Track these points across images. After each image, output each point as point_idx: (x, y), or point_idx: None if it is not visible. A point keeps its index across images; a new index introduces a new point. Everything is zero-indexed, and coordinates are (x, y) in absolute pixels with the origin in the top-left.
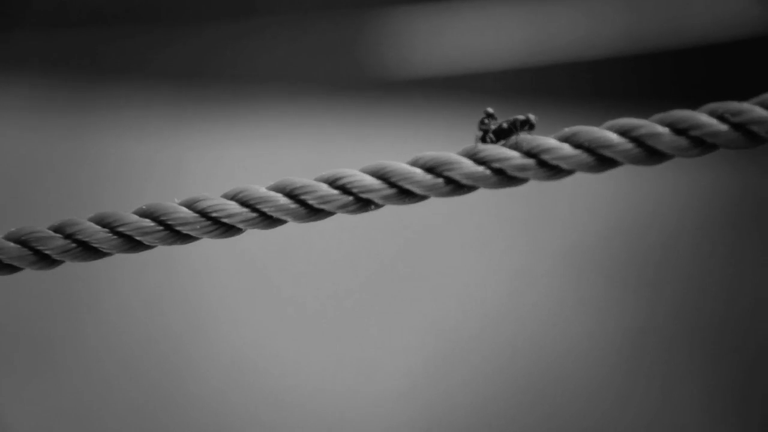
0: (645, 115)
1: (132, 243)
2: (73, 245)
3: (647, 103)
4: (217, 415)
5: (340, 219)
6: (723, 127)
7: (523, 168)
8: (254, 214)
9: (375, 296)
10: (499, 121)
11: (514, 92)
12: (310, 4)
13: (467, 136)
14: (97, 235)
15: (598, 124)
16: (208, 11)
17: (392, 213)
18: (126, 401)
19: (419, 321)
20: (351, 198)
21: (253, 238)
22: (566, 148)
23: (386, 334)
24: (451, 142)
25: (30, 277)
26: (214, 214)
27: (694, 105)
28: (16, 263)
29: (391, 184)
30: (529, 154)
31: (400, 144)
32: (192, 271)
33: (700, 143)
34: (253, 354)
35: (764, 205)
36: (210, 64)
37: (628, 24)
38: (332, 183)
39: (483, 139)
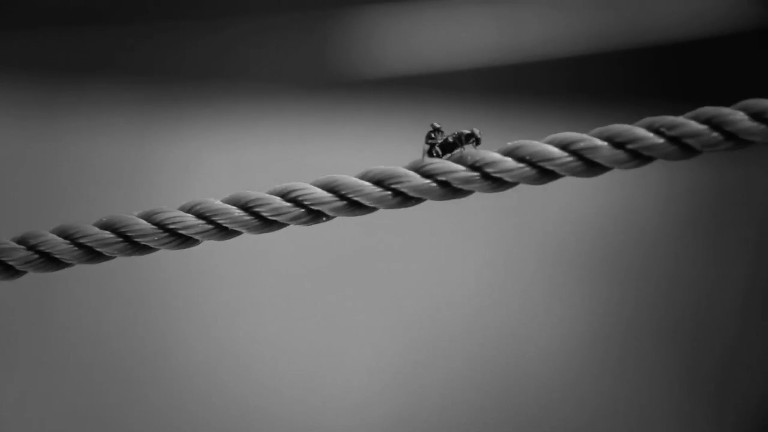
0: (619, 112)
1: (93, 254)
2: (36, 256)
3: (621, 100)
4: (208, 412)
5: None
6: (659, 140)
7: (467, 181)
8: (210, 226)
9: (352, 291)
10: (446, 134)
11: (485, 91)
12: (281, 2)
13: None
14: (60, 246)
15: (571, 121)
16: (181, 12)
17: None
18: (121, 401)
19: (397, 317)
20: (303, 210)
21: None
22: (509, 162)
23: (364, 329)
24: (421, 140)
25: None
26: (171, 226)
27: (672, 102)
28: None
29: (342, 197)
30: (473, 167)
31: (370, 143)
32: (186, 273)
33: (638, 156)
34: (233, 352)
35: (743, 203)
36: (183, 64)
37: (601, 21)
38: (285, 196)
39: (430, 153)
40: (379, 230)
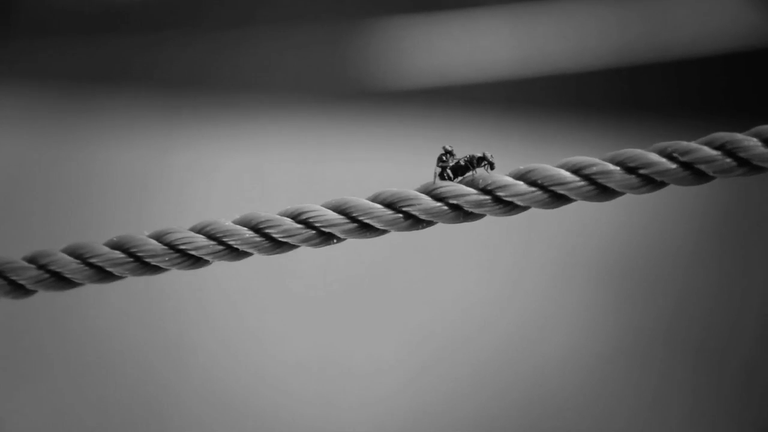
0: (634, 126)
1: (103, 274)
2: (47, 275)
3: (635, 115)
4: (208, 418)
5: None
6: (672, 165)
7: (479, 204)
8: (221, 247)
9: (364, 301)
10: (458, 157)
11: (505, 103)
12: (302, 14)
13: (458, 147)
14: (70, 266)
15: (588, 134)
16: (201, 21)
17: None
18: (116, 407)
19: (409, 327)
20: (314, 232)
21: None
22: (521, 186)
23: (375, 339)
24: (439, 153)
25: None
26: (182, 247)
27: (686, 117)
28: None
29: (353, 219)
30: (485, 190)
31: (391, 154)
32: (186, 277)
33: (650, 181)
34: (252, 369)
35: (764, 219)
36: (202, 74)
37: (618, 36)
38: (296, 217)
39: (441, 176)
40: (397, 248)
